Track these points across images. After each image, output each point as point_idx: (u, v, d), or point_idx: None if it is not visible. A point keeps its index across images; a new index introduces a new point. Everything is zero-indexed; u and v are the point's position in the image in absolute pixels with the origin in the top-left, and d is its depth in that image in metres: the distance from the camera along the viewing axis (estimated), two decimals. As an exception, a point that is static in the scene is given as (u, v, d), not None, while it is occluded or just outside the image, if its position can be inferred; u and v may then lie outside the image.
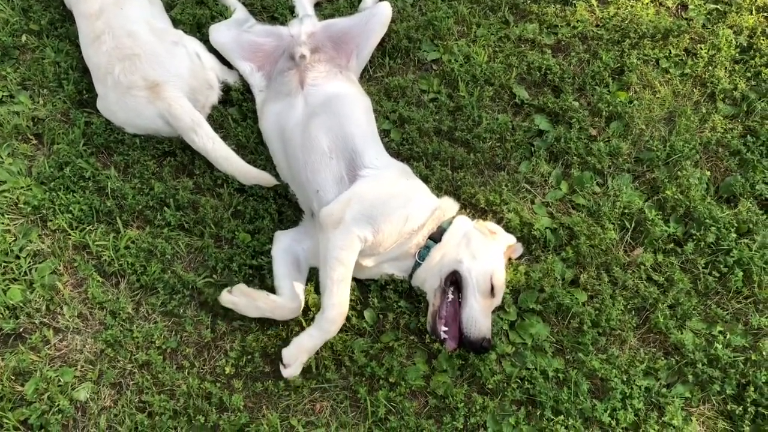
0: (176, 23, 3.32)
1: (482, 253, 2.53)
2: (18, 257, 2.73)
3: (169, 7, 3.40)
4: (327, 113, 2.74)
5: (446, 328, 2.46)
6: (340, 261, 2.43)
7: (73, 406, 2.44)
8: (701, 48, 3.33)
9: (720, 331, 2.62)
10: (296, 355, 2.42)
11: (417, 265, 2.58)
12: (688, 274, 2.76)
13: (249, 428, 2.40)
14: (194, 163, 2.97)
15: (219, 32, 3.15)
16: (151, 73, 2.85)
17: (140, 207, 2.85)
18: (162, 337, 2.59)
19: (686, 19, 3.47)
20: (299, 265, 2.67)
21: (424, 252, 2.57)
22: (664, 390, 2.50)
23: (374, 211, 2.48)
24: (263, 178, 2.87)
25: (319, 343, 2.43)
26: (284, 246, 2.68)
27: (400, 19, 3.40)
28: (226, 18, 3.36)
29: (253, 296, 2.53)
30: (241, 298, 2.54)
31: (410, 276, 2.62)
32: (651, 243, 2.81)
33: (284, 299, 2.54)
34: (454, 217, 2.65)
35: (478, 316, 2.44)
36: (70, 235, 2.79)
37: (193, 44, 3.07)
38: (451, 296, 2.49)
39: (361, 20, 3.18)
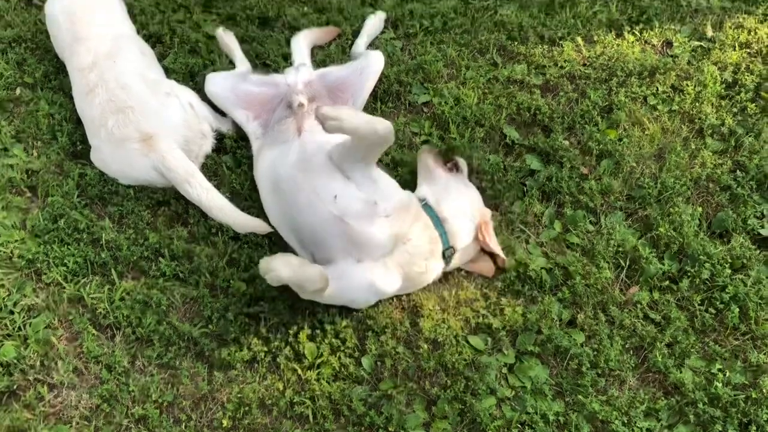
0: (169, 72, 3.35)
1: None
2: (12, 312, 2.71)
3: (161, 57, 3.44)
4: (325, 152, 2.75)
5: None
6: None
7: (68, 464, 2.41)
8: (687, 84, 3.38)
9: (719, 369, 2.61)
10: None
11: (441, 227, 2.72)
12: (684, 311, 2.76)
13: (248, 482, 2.37)
14: (188, 212, 2.97)
15: (214, 83, 3.18)
16: (145, 126, 2.87)
17: (135, 258, 2.84)
18: (158, 390, 2.56)
19: (671, 56, 3.53)
20: None
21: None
22: (665, 431, 2.49)
23: None
24: (258, 225, 2.87)
25: None
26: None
27: (390, 63, 3.45)
28: (217, 66, 3.40)
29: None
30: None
31: (446, 253, 2.72)
32: (646, 281, 2.82)
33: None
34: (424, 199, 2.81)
35: None
36: (64, 288, 2.78)
37: (186, 94, 3.10)
38: None
39: (355, 70, 3.22)
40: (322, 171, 2.68)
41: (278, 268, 2.31)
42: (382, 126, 2.53)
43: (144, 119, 2.88)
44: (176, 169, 2.85)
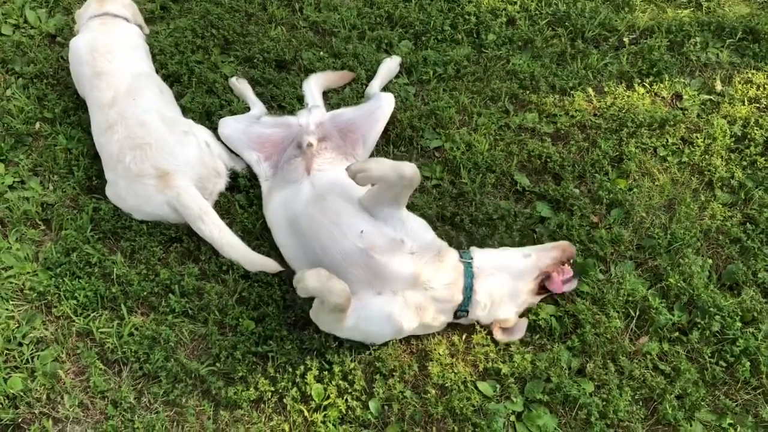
0: (186, 112, 3.42)
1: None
2: (21, 344, 2.71)
3: (179, 96, 3.51)
4: (338, 189, 2.81)
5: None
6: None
7: (69, 501, 2.38)
8: (697, 137, 3.42)
9: (730, 423, 2.58)
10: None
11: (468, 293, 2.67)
12: (694, 363, 2.74)
13: None
14: (200, 249, 2.99)
15: (228, 126, 3.24)
16: (162, 162, 2.92)
17: (145, 293, 2.85)
18: (164, 428, 2.54)
19: (681, 108, 3.58)
20: None
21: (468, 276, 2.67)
22: (676, 486, 2.45)
23: None
24: (268, 264, 2.89)
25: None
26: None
27: (403, 108, 3.51)
28: (234, 107, 3.47)
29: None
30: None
31: (458, 313, 2.69)
32: (656, 331, 2.81)
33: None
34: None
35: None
36: (74, 321, 2.79)
37: (203, 133, 3.16)
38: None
39: (366, 111, 3.29)
40: (345, 209, 2.73)
41: (307, 278, 2.42)
42: (409, 169, 2.59)
43: (161, 156, 2.93)
44: (191, 206, 2.88)
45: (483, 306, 2.69)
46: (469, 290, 2.66)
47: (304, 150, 3.03)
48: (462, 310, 2.68)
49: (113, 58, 3.23)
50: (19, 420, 2.54)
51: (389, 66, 3.68)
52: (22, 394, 2.58)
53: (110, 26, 3.38)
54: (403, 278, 2.58)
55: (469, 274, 2.68)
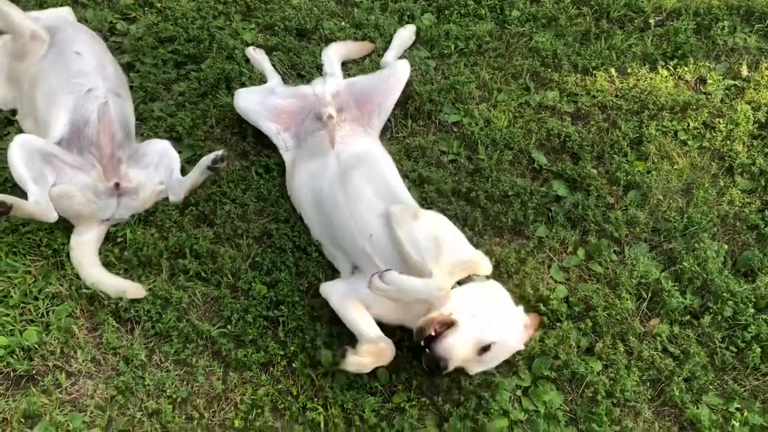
0: (205, 77, 3.43)
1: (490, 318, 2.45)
2: (36, 298, 2.75)
3: (199, 60, 3.52)
4: (363, 166, 2.83)
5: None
6: (437, 238, 2.46)
7: (80, 452, 2.42)
8: (719, 122, 3.37)
9: (737, 408, 2.58)
10: None
11: None
12: (704, 347, 2.73)
13: (255, 484, 2.37)
14: (215, 213, 3.01)
15: (243, 98, 3.23)
16: None
17: (159, 253, 2.88)
18: (173, 386, 2.58)
19: (705, 93, 3.53)
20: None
21: None
22: (679, 466, 2.46)
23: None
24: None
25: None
26: (344, 292, 2.62)
27: (423, 82, 3.49)
28: (254, 74, 3.47)
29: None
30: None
31: None
32: (667, 314, 2.80)
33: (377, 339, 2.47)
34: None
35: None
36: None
37: None
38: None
39: (381, 78, 3.29)
40: (365, 195, 2.72)
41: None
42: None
43: None
44: None
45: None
46: None
47: (325, 122, 3.02)
48: None
49: None
50: (34, 372, 2.59)
51: (403, 36, 3.66)
52: (36, 346, 2.62)
53: None
54: None
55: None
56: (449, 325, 2.37)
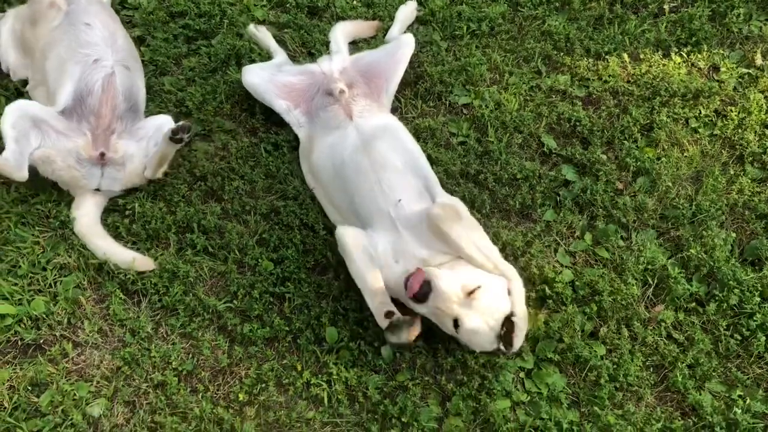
0: (216, 52, 3.42)
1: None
2: (44, 269, 2.77)
3: (210, 36, 3.51)
4: (387, 137, 2.85)
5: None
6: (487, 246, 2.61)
7: (86, 421, 2.44)
8: (731, 110, 3.35)
9: (740, 395, 2.58)
10: None
11: None
12: (709, 334, 2.73)
13: (258, 457, 2.39)
14: (224, 189, 3.02)
15: (252, 73, 3.22)
16: None
17: (166, 228, 2.89)
18: (179, 358, 2.60)
19: (717, 81, 3.50)
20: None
21: None
22: (679, 451, 2.47)
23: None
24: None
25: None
26: (361, 241, 2.63)
27: (434, 62, 3.47)
28: (263, 51, 3.46)
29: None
30: None
31: None
32: (673, 301, 2.80)
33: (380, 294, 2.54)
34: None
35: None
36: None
37: None
38: None
39: (387, 52, 3.29)
40: (391, 162, 2.75)
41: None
42: None
43: None
44: None
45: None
46: None
47: (337, 97, 3.02)
48: None
49: None
50: (41, 341, 2.61)
51: (406, 11, 3.66)
52: (44, 316, 2.64)
53: None
54: (416, 258, 2.57)
55: None
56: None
